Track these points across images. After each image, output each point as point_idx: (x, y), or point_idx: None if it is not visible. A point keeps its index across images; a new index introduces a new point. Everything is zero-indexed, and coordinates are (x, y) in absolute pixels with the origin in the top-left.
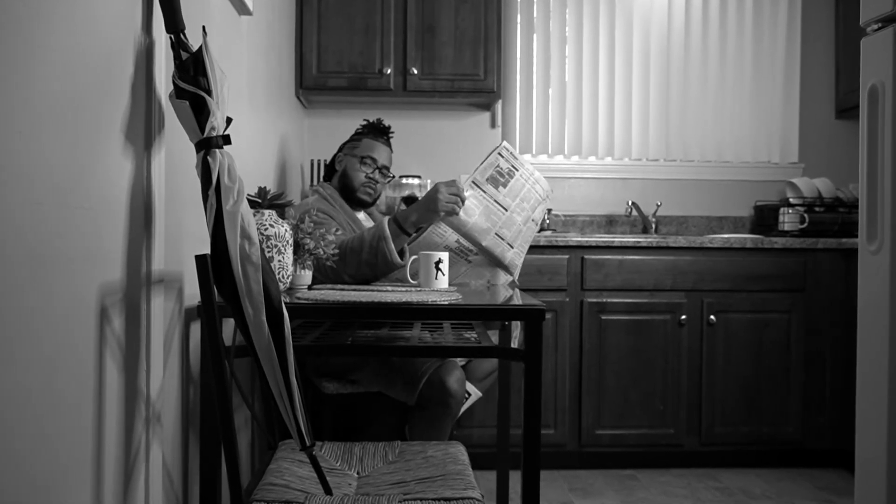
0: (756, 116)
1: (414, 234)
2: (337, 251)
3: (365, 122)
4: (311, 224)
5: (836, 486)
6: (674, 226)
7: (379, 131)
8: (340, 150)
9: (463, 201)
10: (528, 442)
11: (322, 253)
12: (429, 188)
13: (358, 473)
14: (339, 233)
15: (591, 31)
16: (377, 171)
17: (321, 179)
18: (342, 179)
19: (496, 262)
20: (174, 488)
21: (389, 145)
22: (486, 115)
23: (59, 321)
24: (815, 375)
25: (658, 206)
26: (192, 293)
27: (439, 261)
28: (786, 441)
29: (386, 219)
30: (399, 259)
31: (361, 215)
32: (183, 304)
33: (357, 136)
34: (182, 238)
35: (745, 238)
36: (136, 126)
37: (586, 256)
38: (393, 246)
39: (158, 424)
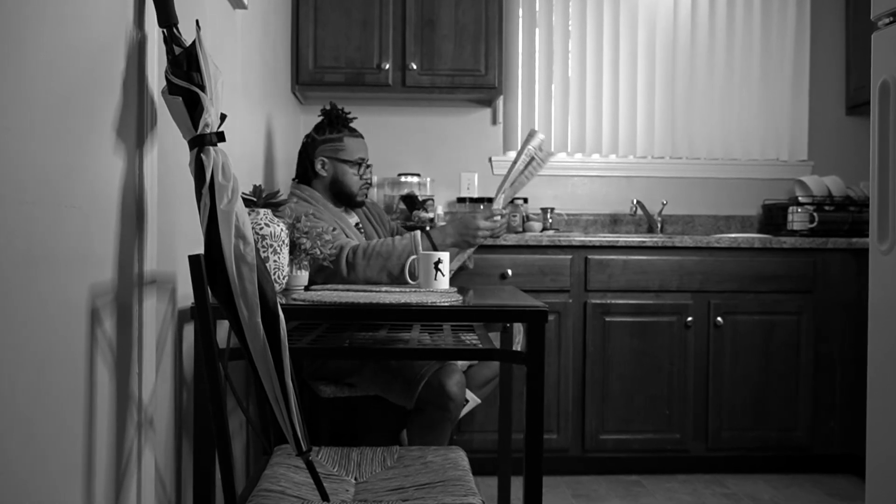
0: (764, 113)
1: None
2: (334, 252)
3: (326, 111)
4: (308, 223)
5: (847, 493)
6: (680, 225)
7: (347, 125)
8: (315, 149)
9: (500, 228)
10: (531, 447)
11: (319, 253)
12: (428, 186)
13: (356, 479)
14: (335, 231)
15: (595, 25)
16: (367, 169)
17: (294, 180)
18: (334, 186)
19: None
20: (167, 494)
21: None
22: (487, 112)
23: (49, 323)
24: (825, 378)
25: (664, 204)
26: (186, 294)
27: (439, 261)
28: (795, 446)
29: (418, 233)
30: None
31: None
32: (176, 306)
33: (333, 137)
34: (175, 238)
35: (752, 238)
36: (128, 123)
37: (590, 256)
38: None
39: (151, 429)
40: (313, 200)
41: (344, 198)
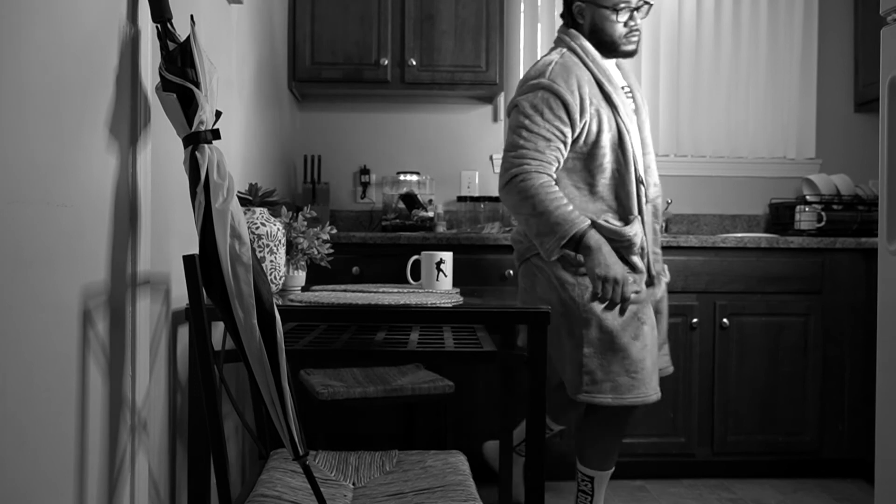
0: (771, 110)
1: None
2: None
3: None
4: (304, 223)
5: (855, 497)
6: (685, 224)
7: None
8: None
9: (623, 303)
10: (533, 451)
11: (316, 253)
12: (428, 185)
13: (354, 484)
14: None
15: None
16: (634, 11)
17: (565, 26)
18: (594, 35)
19: None
20: (161, 499)
21: None
22: (488, 109)
23: (41, 324)
24: (833, 381)
25: (668, 203)
26: (180, 295)
27: (441, 261)
28: (802, 450)
29: (577, 226)
30: (549, 256)
31: (611, 62)
32: (170, 307)
33: None
34: (169, 237)
35: (759, 237)
36: (121, 120)
37: None
38: (549, 247)
39: (144, 433)
40: (582, 52)
41: (607, 47)
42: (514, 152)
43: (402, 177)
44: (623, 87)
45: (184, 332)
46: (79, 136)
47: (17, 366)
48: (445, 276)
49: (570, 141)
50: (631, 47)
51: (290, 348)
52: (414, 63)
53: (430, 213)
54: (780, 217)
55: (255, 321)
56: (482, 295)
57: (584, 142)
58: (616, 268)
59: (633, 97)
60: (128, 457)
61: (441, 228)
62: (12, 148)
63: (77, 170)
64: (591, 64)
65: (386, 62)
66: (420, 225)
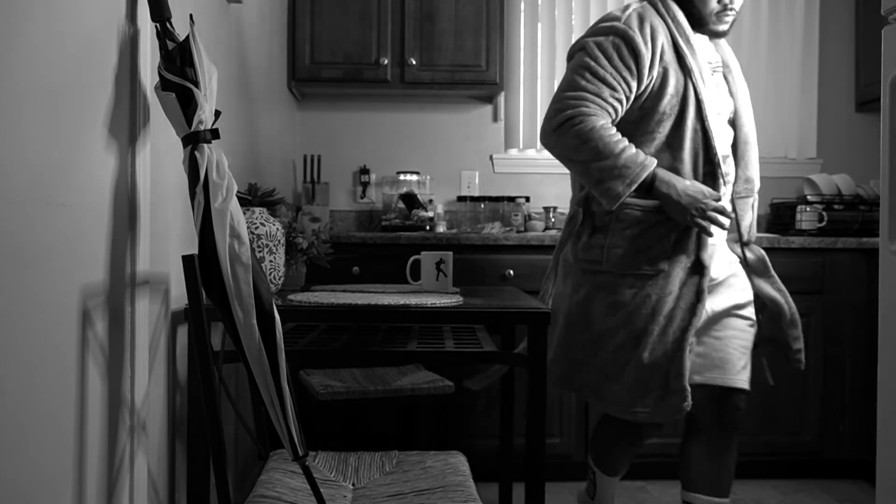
0: (772, 109)
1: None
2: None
3: None
4: (304, 223)
5: (856, 498)
6: None
7: None
8: None
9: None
10: (533, 452)
11: (316, 253)
12: (427, 184)
13: (353, 485)
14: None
15: None
16: None
17: None
18: (682, 6)
19: None
20: (160, 500)
21: None
22: (489, 108)
23: (39, 325)
24: (834, 382)
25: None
26: (179, 295)
27: (441, 261)
28: (803, 451)
29: (648, 169)
30: (613, 204)
31: (703, 37)
32: (169, 307)
33: None
34: (168, 237)
35: (760, 237)
36: (120, 119)
37: None
38: (616, 193)
39: (143, 433)
40: (664, 9)
41: (695, 21)
42: (573, 92)
43: (401, 176)
44: (712, 63)
45: (183, 333)
46: (78, 136)
47: (16, 366)
48: (445, 276)
49: (633, 96)
50: (722, 27)
51: (289, 348)
52: (414, 62)
53: (430, 213)
54: (780, 217)
55: (255, 321)
56: (482, 295)
57: (642, 105)
58: (695, 195)
59: (725, 77)
60: (127, 457)
61: (441, 228)
62: (11, 148)
63: (76, 169)
64: (668, 19)
65: (386, 61)
66: (420, 225)
